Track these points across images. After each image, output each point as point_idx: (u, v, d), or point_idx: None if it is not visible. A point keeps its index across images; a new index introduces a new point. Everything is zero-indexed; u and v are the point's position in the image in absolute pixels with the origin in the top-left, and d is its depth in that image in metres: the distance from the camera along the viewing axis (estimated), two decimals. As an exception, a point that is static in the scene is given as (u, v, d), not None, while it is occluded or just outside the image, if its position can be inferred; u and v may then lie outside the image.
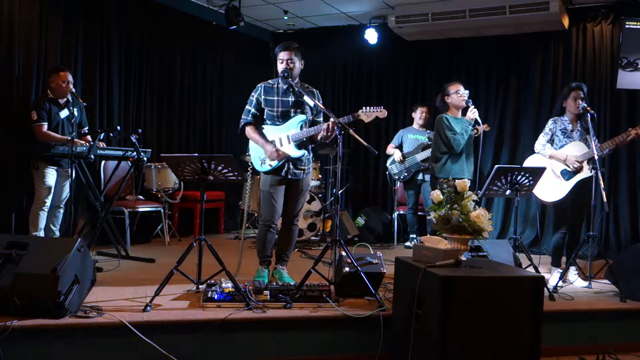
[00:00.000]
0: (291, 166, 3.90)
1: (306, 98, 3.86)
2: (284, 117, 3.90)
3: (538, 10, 5.75)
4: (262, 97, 3.92)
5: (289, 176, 3.90)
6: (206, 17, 6.76)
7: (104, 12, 5.72)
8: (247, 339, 3.07)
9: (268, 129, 3.95)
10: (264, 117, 3.96)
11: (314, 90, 3.99)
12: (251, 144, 4.02)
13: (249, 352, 3.06)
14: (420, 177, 6.07)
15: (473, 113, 4.57)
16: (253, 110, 3.96)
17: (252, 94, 3.98)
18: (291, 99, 3.90)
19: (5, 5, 4.78)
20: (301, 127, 3.88)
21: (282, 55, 3.86)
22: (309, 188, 4.38)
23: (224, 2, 6.33)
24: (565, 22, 6.09)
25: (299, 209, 4.07)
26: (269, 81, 3.98)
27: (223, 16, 6.27)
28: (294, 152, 3.88)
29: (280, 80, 3.89)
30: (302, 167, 3.96)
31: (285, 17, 7.00)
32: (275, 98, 3.91)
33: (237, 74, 7.34)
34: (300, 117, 3.89)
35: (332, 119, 3.66)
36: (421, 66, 7.17)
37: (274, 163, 3.88)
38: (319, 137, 3.86)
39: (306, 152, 3.94)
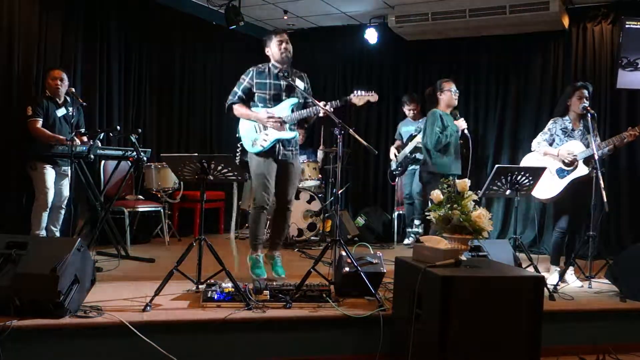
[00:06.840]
0: (281, 147, 3.95)
1: (297, 82, 3.95)
2: (276, 99, 3.95)
3: (538, 10, 5.75)
4: (255, 80, 3.98)
5: (280, 157, 3.95)
6: (206, 17, 6.75)
7: (104, 12, 5.72)
8: (247, 339, 3.07)
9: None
10: (255, 100, 4.00)
11: (303, 74, 4.08)
12: (240, 126, 4.05)
13: (248, 352, 3.06)
14: (414, 167, 6.17)
15: (462, 125, 4.82)
16: (240, 93, 4.02)
17: (243, 77, 4.03)
18: (283, 82, 3.95)
19: (5, 5, 4.78)
20: (292, 110, 3.94)
21: (280, 37, 3.93)
22: (301, 171, 4.49)
23: (223, 2, 6.33)
24: (565, 21, 6.09)
25: (292, 193, 4.09)
26: (259, 65, 4.03)
27: (223, 16, 6.26)
28: (287, 134, 3.94)
29: (270, 65, 3.97)
30: (291, 149, 4.03)
31: (285, 17, 6.99)
32: (268, 81, 3.97)
33: (237, 74, 7.27)
34: (292, 100, 3.96)
35: (320, 106, 3.80)
36: (421, 66, 7.17)
37: (266, 144, 3.91)
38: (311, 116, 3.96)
39: (297, 133, 4.01)
